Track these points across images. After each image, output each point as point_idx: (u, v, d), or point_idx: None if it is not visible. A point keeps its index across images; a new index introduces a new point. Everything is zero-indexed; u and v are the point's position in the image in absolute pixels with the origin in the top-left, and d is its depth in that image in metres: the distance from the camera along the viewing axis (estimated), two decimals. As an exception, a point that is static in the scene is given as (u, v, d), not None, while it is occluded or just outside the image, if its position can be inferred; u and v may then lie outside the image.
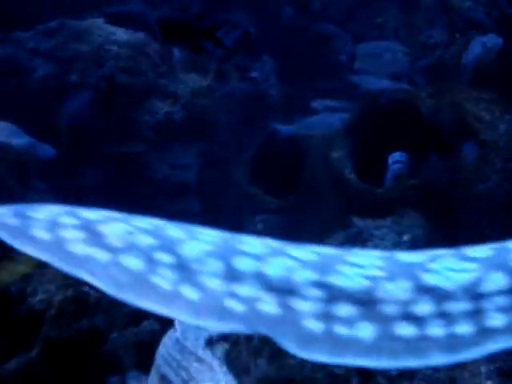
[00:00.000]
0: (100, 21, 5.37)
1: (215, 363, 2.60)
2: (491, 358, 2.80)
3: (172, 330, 3.01)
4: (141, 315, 3.70)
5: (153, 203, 5.75)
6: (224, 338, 3.22)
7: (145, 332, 3.49)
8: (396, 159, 3.54)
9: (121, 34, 5.21)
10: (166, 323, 3.58)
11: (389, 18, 6.06)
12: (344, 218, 3.24)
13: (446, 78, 4.21)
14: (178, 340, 2.76)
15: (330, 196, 4.14)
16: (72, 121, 5.02)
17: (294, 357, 2.38)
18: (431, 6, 5.71)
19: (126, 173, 5.62)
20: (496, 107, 3.73)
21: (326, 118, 4.72)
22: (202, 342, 2.87)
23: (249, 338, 2.52)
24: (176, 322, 3.01)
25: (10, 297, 3.09)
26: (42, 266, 3.98)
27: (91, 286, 3.10)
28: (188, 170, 5.98)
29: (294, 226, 4.93)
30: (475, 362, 2.83)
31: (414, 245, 2.77)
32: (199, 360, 2.62)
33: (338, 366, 2.41)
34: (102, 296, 3.08)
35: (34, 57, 4.98)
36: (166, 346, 2.87)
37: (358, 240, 2.75)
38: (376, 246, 2.72)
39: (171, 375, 2.70)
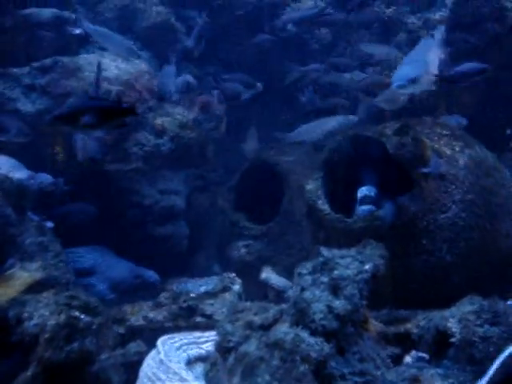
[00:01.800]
0: (91, 57, 5.69)
1: (196, 383, 2.88)
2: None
3: (155, 352, 3.29)
4: (127, 338, 3.97)
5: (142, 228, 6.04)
6: (202, 358, 3.50)
7: (131, 353, 3.77)
8: (364, 193, 3.83)
9: (112, 69, 5.52)
10: (151, 345, 3.86)
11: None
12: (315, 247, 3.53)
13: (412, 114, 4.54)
14: (162, 361, 3.04)
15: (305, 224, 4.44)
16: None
17: (264, 375, 2.66)
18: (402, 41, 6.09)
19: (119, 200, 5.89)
20: (457, 142, 4.05)
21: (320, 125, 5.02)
22: (183, 363, 3.16)
23: (225, 357, 2.79)
24: (159, 344, 3.29)
25: (8, 321, 3.36)
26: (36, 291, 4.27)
27: (82, 311, 3.38)
28: (177, 195, 6.27)
29: (275, 252, 5.23)
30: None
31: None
32: (182, 380, 2.89)
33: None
34: (92, 321, 3.35)
35: (29, 92, 5.28)
36: (150, 366, 3.15)
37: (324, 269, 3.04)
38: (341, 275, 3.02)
39: (155, 393, 2.98)
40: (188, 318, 4.35)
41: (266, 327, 3.13)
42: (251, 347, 2.73)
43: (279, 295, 4.72)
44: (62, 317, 3.28)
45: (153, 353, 3.21)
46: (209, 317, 4.31)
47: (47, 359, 3.22)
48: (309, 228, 4.16)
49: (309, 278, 3.13)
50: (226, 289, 4.58)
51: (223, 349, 2.81)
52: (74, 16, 5.62)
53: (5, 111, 5.13)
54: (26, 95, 5.29)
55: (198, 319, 4.28)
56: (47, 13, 5.52)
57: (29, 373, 3.24)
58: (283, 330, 2.77)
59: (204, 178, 6.65)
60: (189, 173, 6.19)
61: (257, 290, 5.02)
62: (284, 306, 3.19)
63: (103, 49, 5.96)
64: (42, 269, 4.80)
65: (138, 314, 4.55)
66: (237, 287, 4.63)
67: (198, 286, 4.99)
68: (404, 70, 4.34)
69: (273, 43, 6.35)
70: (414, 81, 4.13)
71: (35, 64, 5.34)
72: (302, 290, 3.09)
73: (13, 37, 5.40)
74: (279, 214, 5.26)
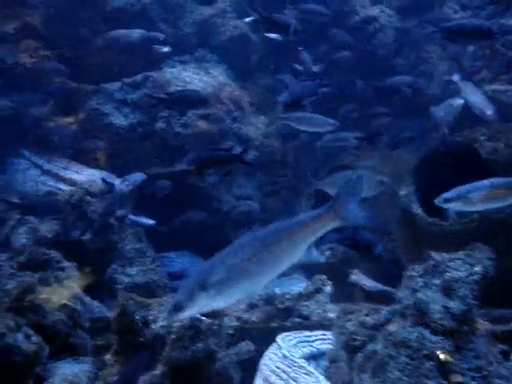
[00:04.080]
0: (176, 71, 5.98)
1: (322, 377, 3.10)
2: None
3: (275, 348, 3.52)
4: (237, 337, 4.21)
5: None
6: (314, 356, 3.73)
7: (243, 352, 4.00)
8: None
9: (196, 82, 5.80)
10: (260, 344, 4.09)
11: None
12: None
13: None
14: (285, 356, 3.27)
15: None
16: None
17: (394, 371, 2.86)
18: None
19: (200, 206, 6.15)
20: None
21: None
22: (306, 357, 3.38)
23: (351, 355, 3.00)
24: (279, 341, 3.52)
25: (135, 324, 3.62)
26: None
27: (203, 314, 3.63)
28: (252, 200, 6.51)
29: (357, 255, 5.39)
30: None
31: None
32: (308, 373, 3.12)
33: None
34: (213, 322, 3.60)
35: (121, 106, 5.59)
36: (273, 360, 3.38)
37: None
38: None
39: (280, 384, 3.21)
40: (285, 319, 4.57)
41: (378, 327, 3.33)
42: (378, 346, 2.93)
43: (369, 296, 4.89)
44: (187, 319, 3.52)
45: (273, 349, 3.44)
46: (306, 318, 4.51)
47: (174, 358, 3.48)
48: (401, 232, 4.34)
49: (420, 280, 3.31)
50: (318, 290, 4.79)
51: (350, 347, 3.02)
52: (160, 35, 5.92)
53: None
54: (118, 110, 5.60)
55: (296, 320, 4.49)
56: (136, 33, 5.83)
57: (157, 371, 3.50)
58: (407, 330, 2.96)
59: (275, 183, 6.89)
60: (262, 178, 6.43)
61: (341, 291, 5.21)
62: (396, 306, 3.37)
63: (183, 62, 6.26)
64: (143, 273, 5.10)
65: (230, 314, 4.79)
66: (328, 289, 4.83)
67: (285, 286, 5.21)
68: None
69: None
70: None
71: (127, 80, 5.64)
72: (414, 291, 3.28)
73: (104, 56, 5.72)
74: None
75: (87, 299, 4.20)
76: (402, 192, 4.26)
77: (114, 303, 4.02)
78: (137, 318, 3.61)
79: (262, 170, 5.96)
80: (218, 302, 2.55)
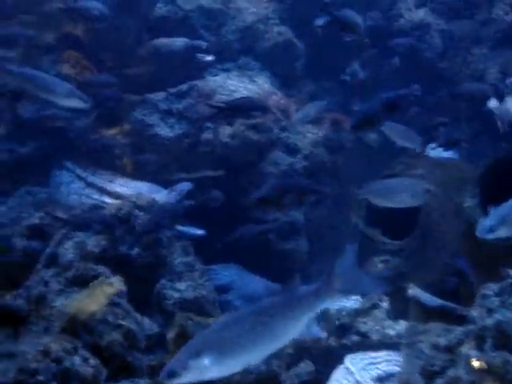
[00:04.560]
0: (220, 79, 5.85)
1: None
2: None
3: (344, 372, 3.36)
4: (297, 357, 4.06)
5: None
6: (381, 379, 3.56)
7: (303, 373, 3.85)
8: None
9: (241, 91, 5.66)
10: (319, 364, 3.93)
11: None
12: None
13: None
14: (358, 382, 3.11)
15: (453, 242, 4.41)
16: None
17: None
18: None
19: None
20: None
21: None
22: (374, 380, 3.22)
23: (430, 381, 2.84)
24: (348, 363, 3.36)
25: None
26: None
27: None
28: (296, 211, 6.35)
29: (413, 268, 5.21)
30: None
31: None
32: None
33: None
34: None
35: (166, 117, 5.48)
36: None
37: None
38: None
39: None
40: (342, 337, 4.41)
41: (451, 349, 3.16)
42: (460, 371, 2.76)
43: (427, 312, 4.70)
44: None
45: (343, 373, 3.29)
46: (365, 335, 4.35)
47: (236, 381, 3.34)
48: (467, 246, 4.15)
49: (496, 300, 3.14)
50: (375, 306, 4.62)
51: (427, 372, 2.85)
52: (203, 44, 5.80)
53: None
54: (163, 120, 5.49)
55: (355, 338, 4.33)
56: (179, 42, 5.72)
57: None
58: (489, 354, 2.78)
59: (319, 191, 6.72)
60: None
61: (396, 306, 5.03)
62: (471, 327, 3.19)
63: (226, 70, 6.13)
64: (192, 289, 4.96)
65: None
66: (385, 304, 4.66)
67: (339, 302, 5.05)
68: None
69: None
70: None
71: (171, 90, 5.53)
72: (490, 311, 3.10)
73: (147, 65, 5.62)
74: (416, 228, 5.25)
75: (139, 316, 4.07)
76: (466, 204, 4.07)
77: (171, 323, 3.92)
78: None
79: (309, 180, 5.79)
80: (212, 373, 2.55)
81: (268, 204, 3.79)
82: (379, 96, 3.55)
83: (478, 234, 3.31)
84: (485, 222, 3.30)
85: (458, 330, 3.26)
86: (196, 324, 3.53)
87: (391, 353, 3.69)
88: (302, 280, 6.03)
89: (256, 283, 5.65)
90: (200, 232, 5.04)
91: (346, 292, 2.73)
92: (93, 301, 3.92)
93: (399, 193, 4.54)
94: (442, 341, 3.21)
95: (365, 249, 5.61)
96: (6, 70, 4.18)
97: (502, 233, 3.29)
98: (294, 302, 2.66)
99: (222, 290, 5.62)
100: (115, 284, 4.19)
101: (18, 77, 4.18)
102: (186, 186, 5.16)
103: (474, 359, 2.82)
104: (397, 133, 4.73)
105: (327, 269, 2.77)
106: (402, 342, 3.35)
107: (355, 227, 5.69)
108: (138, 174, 5.38)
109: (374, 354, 3.60)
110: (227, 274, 5.72)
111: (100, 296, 4.02)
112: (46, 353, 3.12)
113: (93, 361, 3.28)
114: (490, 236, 3.31)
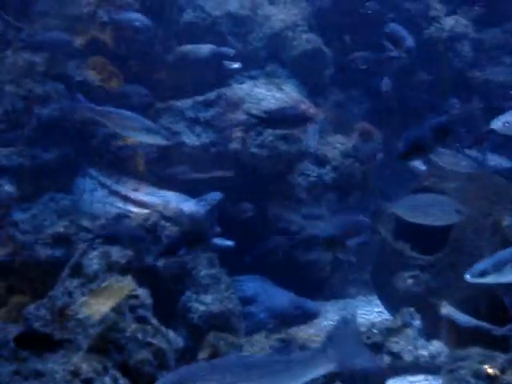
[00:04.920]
0: (247, 87, 5.74)
1: None
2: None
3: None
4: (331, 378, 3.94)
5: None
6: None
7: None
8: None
9: (269, 99, 5.55)
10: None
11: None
12: None
13: None
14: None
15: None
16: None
17: None
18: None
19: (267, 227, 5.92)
20: None
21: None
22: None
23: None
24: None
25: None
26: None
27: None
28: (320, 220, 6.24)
29: (444, 285, 5.07)
30: None
31: None
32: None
33: None
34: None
35: (193, 125, 5.38)
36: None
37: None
38: None
39: None
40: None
41: (493, 377, 3.04)
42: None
43: (462, 332, 4.56)
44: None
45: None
46: (397, 356, 4.22)
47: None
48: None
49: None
50: (406, 324, 4.49)
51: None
52: (231, 51, 5.70)
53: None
54: (190, 128, 5.39)
55: (387, 358, 4.20)
56: (206, 49, 5.62)
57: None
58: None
59: (342, 201, 6.60)
60: (331, 198, 6.15)
61: (427, 324, 4.89)
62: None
63: (252, 77, 6.02)
64: (218, 302, 4.86)
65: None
66: (417, 322, 4.54)
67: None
68: None
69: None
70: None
71: (199, 98, 5.43)
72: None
73: (174, 72, 5.52)
74: (448, 243, 5.11)
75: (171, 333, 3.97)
76: (505, 222, 3.93)
77: (198, 339, 3.82)
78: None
79: (338, 191, 5.68)
80: None
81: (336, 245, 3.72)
82: (428, 121, 3.35)
83: (467, 275, 3.12)
84: (478, 266, 3.13)
85: (502, 358, 3.14)
86: (228, 344, 3.42)
87: (428, 377, 3.57)
88: (326, 292, 5.93)
89: (282, 297, 5.56)
90: (229, 243, 4.93)
91: (342, 365, 2.55)
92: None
93: (430, 210, 4.41)
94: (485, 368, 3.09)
95: (393, 263, 5.50)
96: (87, 108, 4.16)
97: (492, 279, 3.11)
98: (281, 366, 2.52)
99: (247, 301, 5.53)
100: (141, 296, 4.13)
101: (99, 114, 4.14)
102: (216, 196, 5.05)
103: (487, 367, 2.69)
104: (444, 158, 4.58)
105: (324, 339, 2.62)
106: (443, 368, 3.23)
107: (383, 241, 5.57)
108: (163, 182, 5.28)
109: (412, 379, 3.48)
110: (252, 285, 5.62)
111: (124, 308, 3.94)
112: (75, 373, 3.03)
113: (122, 381, 3.19)
114: (480, 280, 3.13)
